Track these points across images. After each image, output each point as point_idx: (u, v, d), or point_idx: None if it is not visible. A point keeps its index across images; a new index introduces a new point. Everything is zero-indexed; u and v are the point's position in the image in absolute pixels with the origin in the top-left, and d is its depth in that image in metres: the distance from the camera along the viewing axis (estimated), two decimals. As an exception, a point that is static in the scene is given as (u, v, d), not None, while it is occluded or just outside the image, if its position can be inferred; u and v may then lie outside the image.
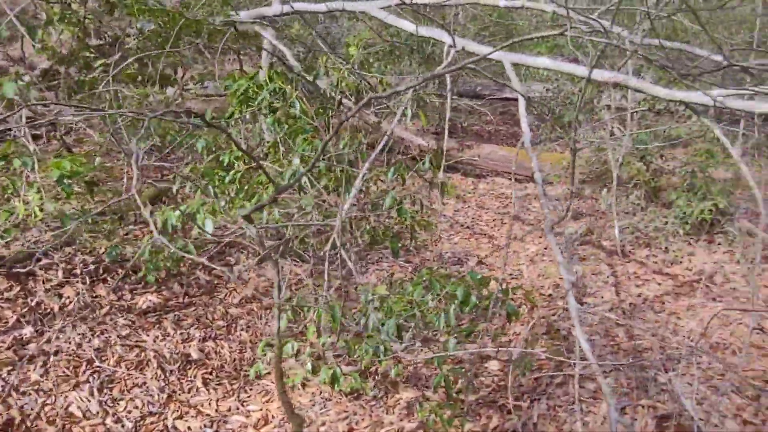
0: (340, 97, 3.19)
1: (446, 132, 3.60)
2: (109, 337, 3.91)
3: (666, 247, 5.32)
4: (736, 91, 2.94)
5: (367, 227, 3.49)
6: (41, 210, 3.14)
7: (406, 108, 3.01)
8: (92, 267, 4.32)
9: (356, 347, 3.00)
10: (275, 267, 2.16)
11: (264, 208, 2.91)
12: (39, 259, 4.20)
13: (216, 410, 3.63)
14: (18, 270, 4.03)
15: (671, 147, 6.53)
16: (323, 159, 3.03)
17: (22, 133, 3.74)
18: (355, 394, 3.73)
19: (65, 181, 2.97)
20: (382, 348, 2.82)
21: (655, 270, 5.07)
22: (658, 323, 4.33)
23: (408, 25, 4.25)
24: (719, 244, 5.33)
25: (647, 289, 4.80)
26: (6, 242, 3.66)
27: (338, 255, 2.85)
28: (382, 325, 2.78)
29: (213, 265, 1.85)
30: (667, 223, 5.46)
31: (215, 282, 4.79)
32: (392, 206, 3.05)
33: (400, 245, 3.66)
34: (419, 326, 3.22)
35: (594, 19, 2.87)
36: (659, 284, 4.86)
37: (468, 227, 6.15)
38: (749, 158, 5.85)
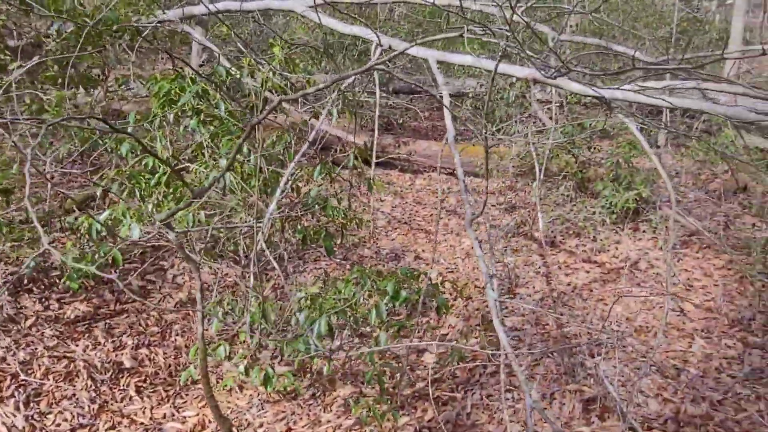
0: (265, 97, 3.17)
1: (376, 129, 3.64)
2: (36, 348, 3.79)
3: (594, 236, 5.51)
4: (647, 86, 3.08)
5: (299, 227, 3.49)
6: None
7: (330, 107, 3.03)
8: (15, 277, 4.17)
9: (287, 347, 3.00)
10: (196, 270, 2.14)
11: (184, 211, 2.87)
12: (-43, 271, 4.03)
13: (150, 418, 3.57)
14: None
15: (599, 139, 6.77)
16: (247, 160, 3.02)
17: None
18: (293, 394, 3.73)
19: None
20: (312, 346, 2.83)
21: (583, 258, 5.25)
22: (585, 310, 4.49)
23: (336, 24, 4.27)
24: (644, 231, 5.56)
25: (576, 277, 4.96)
26: None
27: (270, 255, 2.85)
28: (312, 323, 2.80)
29: (100, 273, 1.81)
30: (594, 212, 5.66)
31: (149, 287, 4.70)
32: (319, 204, 3.06)
33: (336, 243, 3.67)
34: (353, 323, 3.25)
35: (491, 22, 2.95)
36: (587, 272, 5.03)
37: (406, 223, 6.21)
38: (667, 149, 6.14)
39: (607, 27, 7.59)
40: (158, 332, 4.25)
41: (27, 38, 4.66)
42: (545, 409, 3.47)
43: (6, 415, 3.32)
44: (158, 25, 4.25)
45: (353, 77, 2.90)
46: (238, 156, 3.18)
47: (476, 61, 3.24)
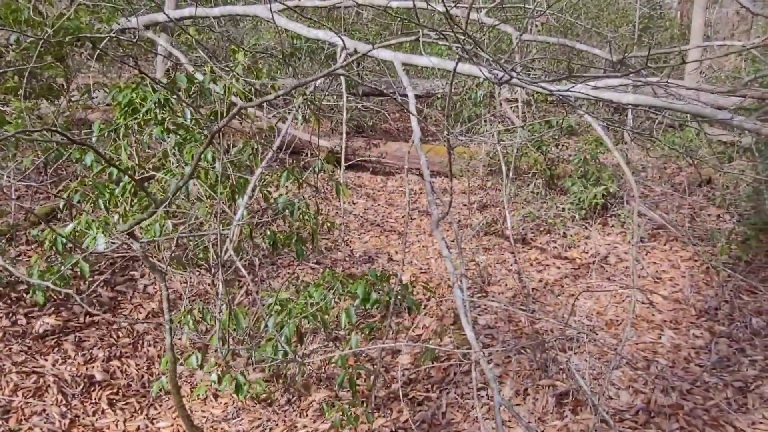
0: (229, 104, 3.16)
1: (344, 132, 3.64)
2: (3, 365, 3.72)
3: (564, 233, 5.58)
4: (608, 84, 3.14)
5: (269, 232, 3.48)
6: None
7: (296, 112, 3.03)
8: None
9: (256, 353, 2.99)
10: (162, 280, 2.12)
11: (151, 221, 2.85)
12: None
13: (123, 431, 3.53)
14: None
15: (567, 136, 6.86)
16: (212, 167, 3.00)
17: None
18: (268, 401, 3.72)
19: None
20: (282, 352, 2.83)
21: (554, 255, 5.32)
22: (557, 305, 4.55)
23: (300, 28, 4.27)
24: (612, 226, 5.65)
25: (547, 273, 5.03)
26: None
27: (240, 262, 2.84)
28: (281, 328, 2.79)
29: (59, 288, 1.79)
30: (564, 209, 5.73)
31: (119, 298, 4.64)
32: (286, 209, 3.06)
33: (308, 247, 3.67)
34: (325, 327, 3.25)
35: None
36: (558, 268, 5.10)
37: (378, 225, 6.22)
38: (632, 145, 6.24)
39: (572, 26, 7.69)
40: (130, 343, 4.20)
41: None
42: (519, 405, 3.51)
43: (-26, 433, 3.26)
44: (119, 33, 4.19)
45: (318, 81, 2.90)
46: (205, 163, 3.17)
47: (440, 62, 3.27)
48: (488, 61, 2.21)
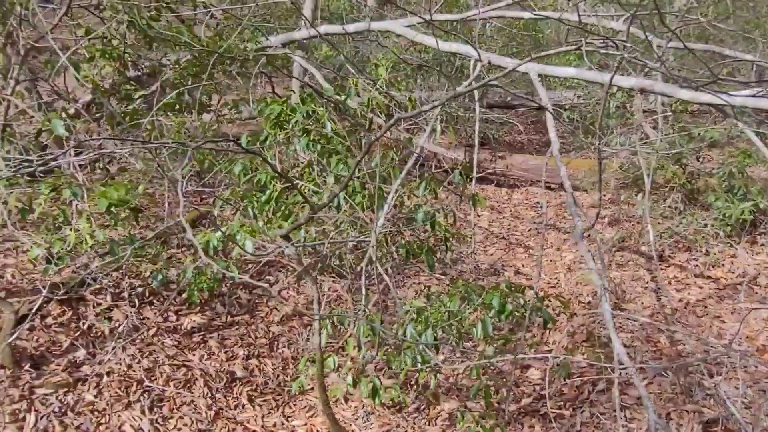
0: (371, 116, 3.27)
1: (476, 144, 3.65)
2: (158, 357, 4.04)
3: (706, 250, 5.24)
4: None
5: (402, 242, 3.55)
6: (92, 237, 3.29)
7: (434, 124, 3.08)
8: (139, 290, 4.47)
9: (395, 359, 3.05)
10: (314, 283, 2.23)
11: (301, 227, 3.00)
12: (89, 285, 4.36)
13: (262, 426, 3.72)
14: (70, 295, 4.20)
15: (709, 148, 6.44)
16: (356, 177, 3.11)
17: (69, 165, 3.91)
18: (398, 407, 3.78)
19: (113, 209, 3.11)
20: (420, 359, 2.86)
21: (695, 273, 5.00)
22: (701, 327, 4.27)
23: (433, 42, 4.34)
24: (762, 245, 5.23)
25: (688, 293, 4.74)
26: (58, 269, 3.81)
27: (374, 270, 2.93)
28: (420, 336, 2.83)
29: (254, 282, 1.94)
30: (706, 225, 5.38)
31: (256, 301, 4.90)
32: (425, 220, 3.10)
33: (435, 258, 3.70)
34: (457, 337, 3.26)
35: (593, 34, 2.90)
36: (701, 288, 4.79)
37: (504, 238, 6.15)
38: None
39: (714, 31, 7.23)
40: (266, 344, 4.42)
41: (143, 68, 5.04)
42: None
43: (133, 418, 3.56)
44: (264, 51, 4.48)
45: (458, 96, 2.94)
46: (344, 173, 3.29)
47: (579, 72, 3.20)
48: (650, 69, 2.13)
